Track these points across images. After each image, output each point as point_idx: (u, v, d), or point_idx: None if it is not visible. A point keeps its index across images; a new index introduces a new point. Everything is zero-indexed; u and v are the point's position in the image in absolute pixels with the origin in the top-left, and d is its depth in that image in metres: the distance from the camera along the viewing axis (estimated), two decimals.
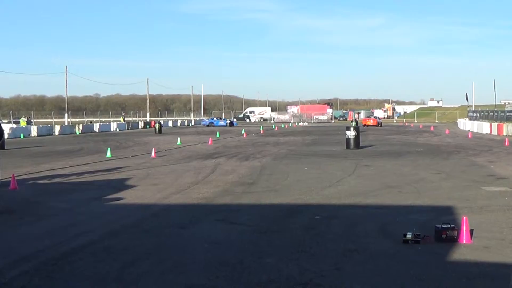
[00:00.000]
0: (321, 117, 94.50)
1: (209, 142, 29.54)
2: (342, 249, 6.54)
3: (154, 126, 48.12)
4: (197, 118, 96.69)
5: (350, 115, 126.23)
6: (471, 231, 7.23)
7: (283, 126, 66.03)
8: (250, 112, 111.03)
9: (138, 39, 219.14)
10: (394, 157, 19.73)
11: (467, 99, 60.38)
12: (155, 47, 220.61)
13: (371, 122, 59.56)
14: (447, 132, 41.45)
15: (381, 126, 58.59)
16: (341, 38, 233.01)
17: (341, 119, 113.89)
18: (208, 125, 66.91)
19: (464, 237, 6.92)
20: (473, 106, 61.88)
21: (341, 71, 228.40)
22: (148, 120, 74.60)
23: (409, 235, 6.82)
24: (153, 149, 21.71)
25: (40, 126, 47.32)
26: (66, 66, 58.01)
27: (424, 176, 13.75)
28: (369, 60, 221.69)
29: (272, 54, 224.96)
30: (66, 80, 57.72)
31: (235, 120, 79.63)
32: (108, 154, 21.21)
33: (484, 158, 18.96)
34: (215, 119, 73.42)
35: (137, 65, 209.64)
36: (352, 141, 23.66)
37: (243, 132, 42.86)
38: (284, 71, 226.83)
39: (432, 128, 50.65)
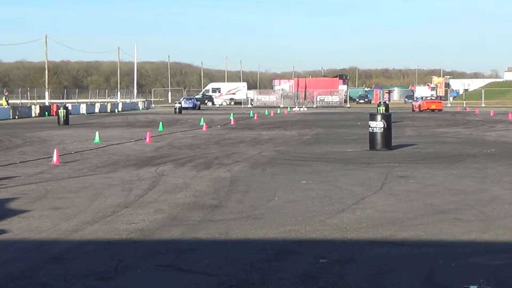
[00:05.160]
0: (329, 98, 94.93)
1: (147, 140, 29.59)
2: None
3: (57, 113, 47.84)
4: (128, 100, 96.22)
5: (376, 95, 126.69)
6: None
7: (267, 112, 66.11)
8: (214, 90, 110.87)
9: None
10: (448, 163, 20.00)
11: None
12: None
13: (434, 106, 64.70)
14: None
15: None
16: None
17: (362, 101, 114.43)
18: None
19: None
20: None
21: (361, 24, 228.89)
22: (47, 104, 73.95)
23: None
24: (55, 151, 21.60)
25: None
26: None
27: (497, 194, 13.98)
28: (406, 9, 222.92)
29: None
30: None
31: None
32: None
33: None
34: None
35: (29, 12, 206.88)
36: (379, 138, 23.83)
37: (201, 122, 42.78)
38: (270, 25, 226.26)
39: (510, 116, 51.25)
